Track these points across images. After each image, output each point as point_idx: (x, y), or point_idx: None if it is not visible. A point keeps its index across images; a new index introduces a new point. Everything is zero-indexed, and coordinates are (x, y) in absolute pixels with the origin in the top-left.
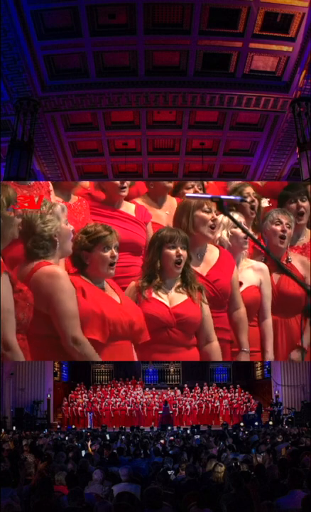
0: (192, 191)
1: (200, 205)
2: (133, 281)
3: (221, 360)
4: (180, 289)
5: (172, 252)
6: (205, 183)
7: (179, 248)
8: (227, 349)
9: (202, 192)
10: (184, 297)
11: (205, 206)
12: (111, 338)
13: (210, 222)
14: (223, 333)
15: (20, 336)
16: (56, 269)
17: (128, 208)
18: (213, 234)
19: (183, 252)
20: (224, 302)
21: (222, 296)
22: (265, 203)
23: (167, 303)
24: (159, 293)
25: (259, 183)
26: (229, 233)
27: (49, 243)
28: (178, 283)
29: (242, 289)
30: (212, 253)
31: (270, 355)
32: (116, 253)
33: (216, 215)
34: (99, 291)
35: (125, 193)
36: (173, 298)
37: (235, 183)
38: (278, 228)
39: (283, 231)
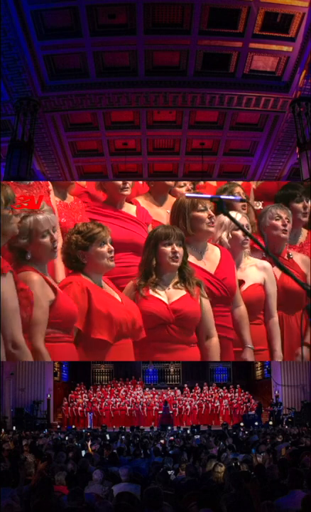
0: (185, 189)
1: (194, 205)
2: (131, 281)
3: (223, 360)
4: (178, 285)
5: (168, 248)
6: (202, 183)
7: (174, 245)
8: (230, 348)
9: (193, 191)
10: (182, 292)
11: (200, 205)
12: (117, 338)
13: (207, 220)
14: (227, 331)
15: (25, 335)
16: (30, 275)
17: (130, 208)
18: (213, 228)
19: (179, 249)
20: (230, 300)
21: (230, 294)
22: (259, 205)
23: (165, 299)
24: (156, 290)
25: (252, 183)
26: (230, 235)
27: (21, 259)
28: (176, 279)
29: (245, 287)
30: (214, 252)
31: (278, 354)
32: (112, 247)
33: (213, 213)
34: (102, 290)
35: (127, 193)
36: (171, 294)
37: (226, 184)
38: (279, 223)
39: (284, 225)
